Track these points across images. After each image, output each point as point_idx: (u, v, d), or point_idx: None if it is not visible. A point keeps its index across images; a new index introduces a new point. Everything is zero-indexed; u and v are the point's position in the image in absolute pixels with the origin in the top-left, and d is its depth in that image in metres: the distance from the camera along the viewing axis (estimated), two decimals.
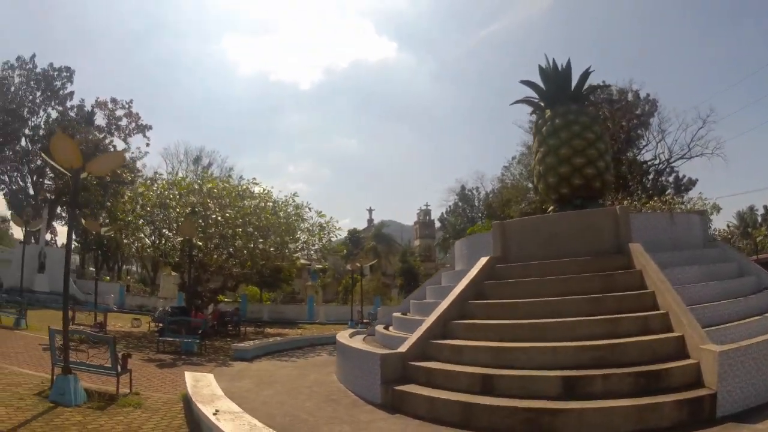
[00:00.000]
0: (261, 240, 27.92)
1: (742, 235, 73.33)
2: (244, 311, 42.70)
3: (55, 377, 10.43)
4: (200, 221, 26.63)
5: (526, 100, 17.93)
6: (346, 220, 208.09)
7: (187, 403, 10.18)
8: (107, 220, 38.19)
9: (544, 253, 13.45)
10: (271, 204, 30.22)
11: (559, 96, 16.69)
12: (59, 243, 61.24)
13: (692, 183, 50.19)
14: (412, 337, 11.59)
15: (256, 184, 32.05)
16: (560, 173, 15.92)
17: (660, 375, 8.51)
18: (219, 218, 26.63)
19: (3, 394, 10.06)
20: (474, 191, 67.50)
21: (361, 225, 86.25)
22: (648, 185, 48.37)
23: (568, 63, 16.69)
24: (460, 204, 68.32)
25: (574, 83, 16.74)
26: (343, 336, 15.65)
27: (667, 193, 45.91)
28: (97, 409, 9.73)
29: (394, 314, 16.74)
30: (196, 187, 29.53)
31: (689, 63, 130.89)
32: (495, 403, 8.64)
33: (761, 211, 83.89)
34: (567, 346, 9.62)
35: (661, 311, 10.18)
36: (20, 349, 16.42)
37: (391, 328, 15.99)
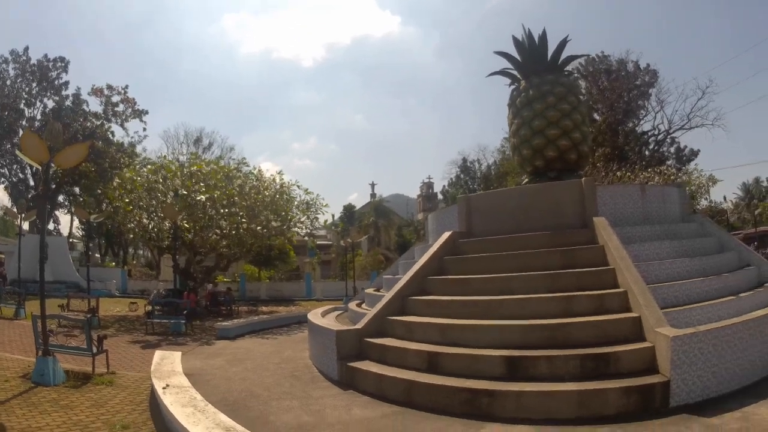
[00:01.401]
0: (245, 220, 27.99)
1: (747, 207, 72.51)
2: (243, 290, 43.46)
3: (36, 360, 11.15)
4: (183, 203, 26.88)
5: (503, 72, 17.43)
6: (354, 195, 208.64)
7: None
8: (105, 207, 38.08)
9: (508, 227, 13.08)
10: (255, 183, 30.53)
11: (535, 67, 16.23)
12: (64, 232, 61.66)
13: (694, 154, 49.89)
14: (370, 314, 11.60)
15: (245, 164, 32.15)
16: (534, 145, 15.52)
17: (609, 358, 8.05)
18: (202, 199, 26.71)
19: None
20: (476, 163, 67.18)
21: (366, 200, 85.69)
22: (647, 156, 47.94)
23: (544, 33, 16.17)
24: (461, 176, 67.97)
25: (551, 54, 16.28)
26: (315, 313, 15.48)
27: (667, 163, 45.50)
28: (72, 388, 10.47)
29: (366, 290, 16.70)
30: (185, 170, 29.62)
31: (689, 34, 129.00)
32: (437, 381, 8.46)
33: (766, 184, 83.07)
34: (515, 324, 9.30)
35: (620, 290, 9.71)
36: (16, 337, 17.06)
37: (363, 304, 15.82)
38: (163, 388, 8.89)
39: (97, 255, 66.30)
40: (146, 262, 69.53)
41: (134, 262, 71.33)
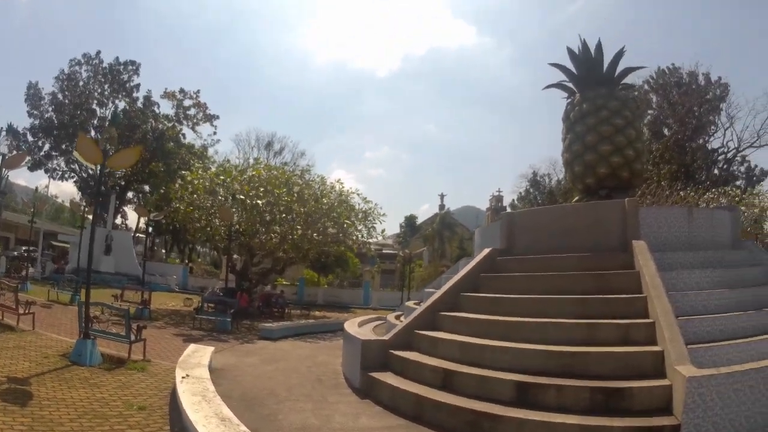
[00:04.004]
0: (299, 227, 28.25)
1: None
2: (301, 294, 44.08)
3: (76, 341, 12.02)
4: (239, 207, 27.55)
5: (559, 85, 17.02)
6: (425, 206, 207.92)
7: None
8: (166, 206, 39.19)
9: (549, 246, 12.73)
10: (315, 190, 30.85)
11: (590, 80, 15.83)
12: (133, 226, 63.71)
13: (764, 174, 47.59)
14: (399, 326, 11.69)
15: (308, 171, 32.51)
16: (586, 161, 15.12)
17: (623, 394, 7.59)
18: (259, 203, 27.05)
19: (33, 353, 12.01)
20: (546, 178, 66.11)
21: (437, 210, 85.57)
22: (716, 175, 46.25)
23: (599, 45, 15.75)
24: (531, 190, 66.93)
25: (606, 66, 15.81)
26: (353, 322, 15.55)
27: (736, 183, 43.82)
28: (105, 370, 11.22)
29: (407, 303, 16.51)
30: (245, 174, 30.24)
31: (760, 43, 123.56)
32: (445, 399, 8.37)
33: None
34: (532, 348, 9.02)
35: (649, 320, 9.22)
36: (67, 321, 17.90)
37: (402, 317, 15.67)
38: (183, 377, 9.41)
39: (163, 251, 68.22)
40: (211, 260, 70.97)
41: (199, 260, 72.91)
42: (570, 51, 16.13)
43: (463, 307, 11.84)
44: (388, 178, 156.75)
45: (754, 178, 47.39)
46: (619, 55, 15.87)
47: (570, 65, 16.22)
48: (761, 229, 38.83)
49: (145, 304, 23.01)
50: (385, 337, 11.33)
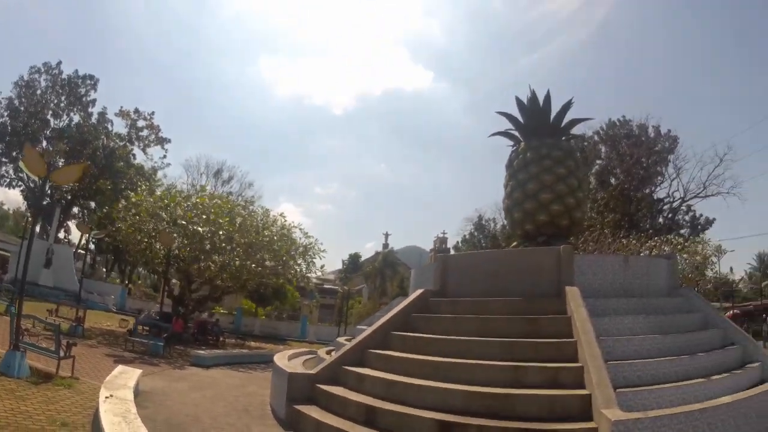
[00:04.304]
0: (237, 258, 28.14)
1: (764, 276, 71.27)
2: (238, 324, 43.59)
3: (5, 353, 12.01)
4: (180, 232, 27.33)
5: (505, 133, 17.29)
6: (371, 243, 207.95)
7: None
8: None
9: (482, 290, 12.82)
10: (257, 222, 30.95)
11: (537, 130, 16.14)
12: (74, 242, 62.31)
13: (709, 223, 49.13)
14: (326, 361, 11.79)
15: (252, 203, 32.44)
16: (525, 209, 15.41)
17: None
18: (200, 230, 26.91)
19: None
20: (491, 222, 66.80)
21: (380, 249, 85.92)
22: (660, 224, 47.48)
23: (547, 96, 16.10)
24: (475, 234, 67.57)
25: (553, 117, 16.12)
26: (283, 354, 15.41)
27: (681, 232, 44.95)
28: (32, 383, 11.19)
29: (338, 339, 16.52)
30: (188, 201, 30.19)
31: (709, 100, 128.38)
32: None
33: None
34: (459, 389, 9.02)
35: (577, 364, 9.27)
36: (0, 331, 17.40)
37: (333, 352, 15.56)
38: (107, 397, 9.35)
39: (104, 269, 66.90)
40: (151, 283, 69.90)
41: (139, 281, 71.76)
42: (518, 101, 16.46)
43: (393, 345, 11.82)
44: (336, 214, 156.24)
45: (699, 227, 48.77)
46: (567, 106, 16.23)
47: (518, 115, 16.50)
48: (703, 276, 39.85)
49: (79, 322, 22.84)
50: (313, 371, 11.37)
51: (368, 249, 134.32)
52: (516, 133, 16.92)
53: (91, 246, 58.57)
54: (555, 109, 16.21)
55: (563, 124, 16.39)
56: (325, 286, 68.57)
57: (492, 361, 9.81)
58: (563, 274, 11.99)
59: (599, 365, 8.61)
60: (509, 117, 16.73)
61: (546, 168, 15.27)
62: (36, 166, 13.00)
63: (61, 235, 58.70)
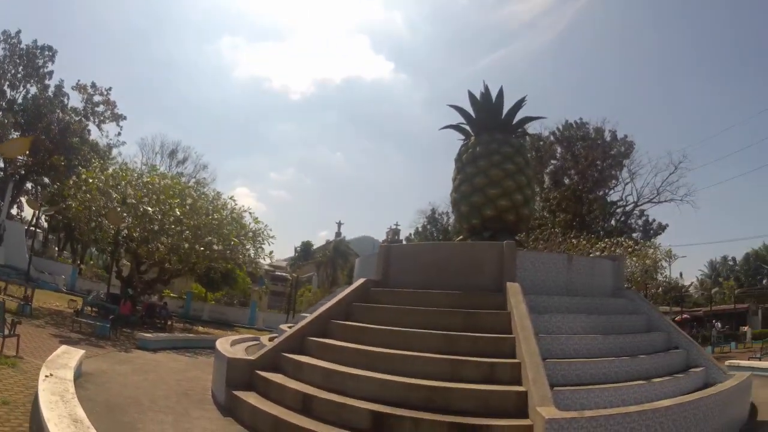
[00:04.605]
0: (186, 241, 27.71)
1: (713, 284, 73.32)
2: (188, 308, 43.28)
3: None
4: (129, 212, 26.91)
5: (457, 126, 17.37)
6: (324, 232, 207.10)
7: None
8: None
9: (423, 281, 12.84)
10: (207, 205, 30.54)
11: (488, 124, 16.22)
12: (27, 218, 60.93)
13: (662, 228, 50.10)
14: (267, 348, 11.77)
15: (204, 185, 32.00)
16: (472, 202, 15.56)
17: (481, 431, 7.70)
18: (149, 211, 26.55)
19: None
20: (444, 215, 67.07)
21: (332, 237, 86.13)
22: (612, 226, 48.21)
23: (500, 92, 16.25)
24: (428, 227, 67.82)
25: (505, 113, 16.24)
26: (226, 340, 15.29)
27: (633, 236, 45.69)
28: None
29: (281, 326, 16.48)
30: (139, 180, 29.69)
31: (668, 110, 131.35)
32: (301, 423, 8.42)
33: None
34: (396, 380, 9.08)
35: (515, 360, 9.34)
36: None
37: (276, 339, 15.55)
38: (46, 376, 9.26)
39: (56, 248, 65.49)
40: (104, 264, 68.79)
41: (91, 262, 70.49)
42: (471, 95, 16.53)
43: (332, 334, 11.86)
44: (290, 201, 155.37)
45: (651, 232, 49.67)
46: (519, 103, 16.37)
47: (471, 109, 16.55)
48: (652, 279, 40.57)
49: (27, 301, 22.51)
50: (252, 357, 11.36)
51: (321, 237, 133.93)
52: (467, 128, 17.00)
53: (44, 224, 57.26)
54: (508, 106, 16.34)
55: (515, 121, 16.54)
56: (277, 273, 68.63)
57: (430, 353, 9.86)
58: (505, 269, 12.09)
59: (536, 362, 8.71)
60: (461, 111, 16.82)
61: (495, 163, 15.42)
62: None
63: (14, 211, 57.35)
